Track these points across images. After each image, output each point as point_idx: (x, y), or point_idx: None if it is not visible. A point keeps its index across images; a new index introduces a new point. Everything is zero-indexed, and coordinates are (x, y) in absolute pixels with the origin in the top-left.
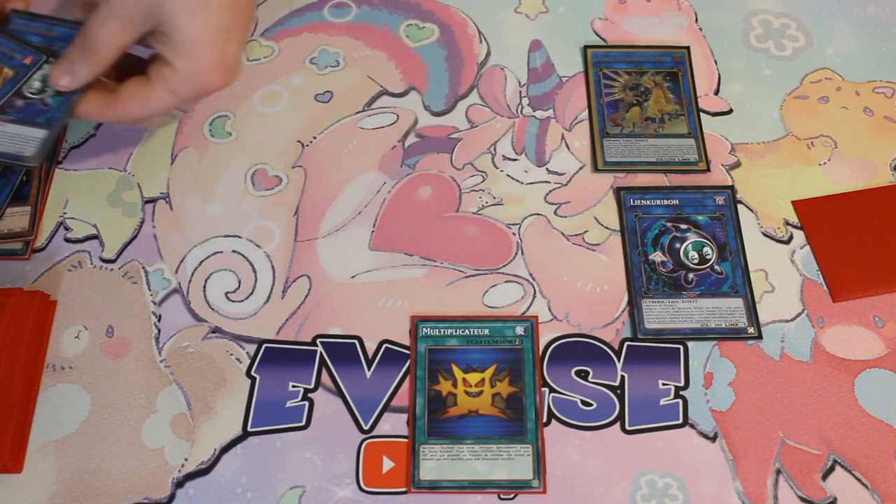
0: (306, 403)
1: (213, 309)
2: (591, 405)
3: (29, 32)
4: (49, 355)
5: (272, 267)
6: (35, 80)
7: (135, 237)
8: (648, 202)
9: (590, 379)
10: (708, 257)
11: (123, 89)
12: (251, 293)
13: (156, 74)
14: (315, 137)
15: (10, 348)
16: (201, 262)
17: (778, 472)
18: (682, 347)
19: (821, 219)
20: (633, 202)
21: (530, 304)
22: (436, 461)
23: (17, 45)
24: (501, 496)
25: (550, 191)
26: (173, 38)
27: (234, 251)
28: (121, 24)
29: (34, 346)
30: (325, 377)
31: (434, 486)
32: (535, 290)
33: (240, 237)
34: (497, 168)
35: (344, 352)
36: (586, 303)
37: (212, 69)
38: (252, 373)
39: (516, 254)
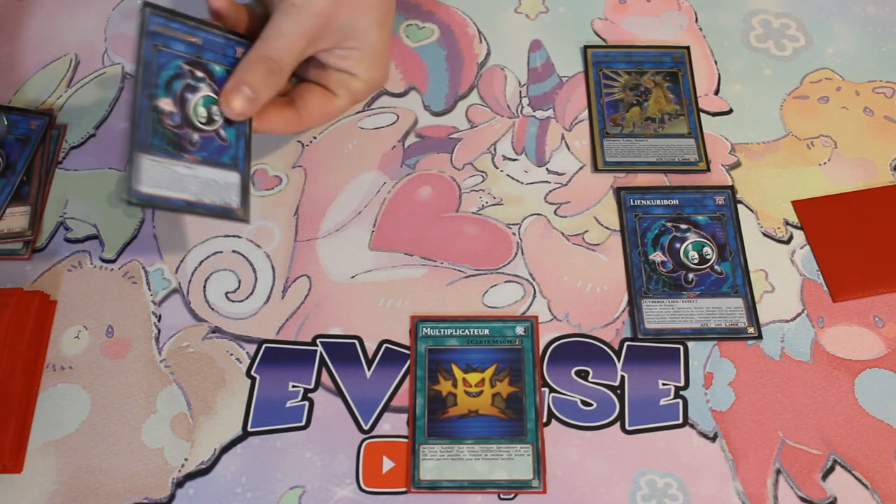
0: (306, 403)
1: (213, 309)
2: (591, 405)
3: (169, 37)
4: (49, 355)
5: (272, 267)
6: (200, 106)
7: (135, 237)
8: (648, 202)
9: (590, 379)
10: (708, 257)
11: (306, 104)
12: (251, 293)
13: (342, 87)
14: (315, 137)
15: (10, 348)
16: (201, 262)
17: (778, 472)
18: (682, 347)
19: (821, 219)
20: (633, 202)
21: (530, 304)
22: (436, 461)
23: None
24: (501, 496)
25: (550, 191)
26: (364, 52)
27: (234, 251)
28: (306, 42)
29: (34, 346)
30: (325, 377)
31: (434, 486)
32: (535, 290)
33: (240, 237)
34: (497, 168)
35: (344, 352)
36: (586, 303)
37: (387, 75)
38: (252, 373)
39: (516, 254)
